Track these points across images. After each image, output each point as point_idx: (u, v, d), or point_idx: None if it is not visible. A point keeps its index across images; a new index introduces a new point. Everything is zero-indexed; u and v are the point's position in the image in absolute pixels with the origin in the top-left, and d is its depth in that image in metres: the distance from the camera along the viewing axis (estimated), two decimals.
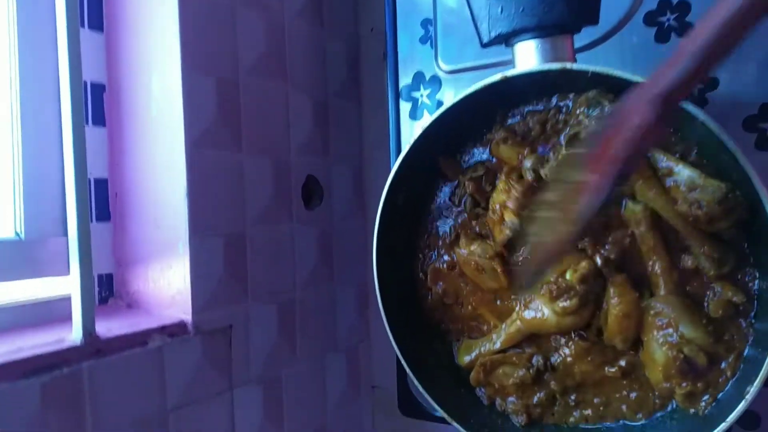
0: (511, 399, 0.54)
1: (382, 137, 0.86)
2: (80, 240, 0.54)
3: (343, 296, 0.83)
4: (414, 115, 0.69)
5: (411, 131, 0.69)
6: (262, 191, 0.70)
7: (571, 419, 0.52)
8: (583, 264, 0.48)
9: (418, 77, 0.68)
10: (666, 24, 0.55)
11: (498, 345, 0.54)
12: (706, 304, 0.45)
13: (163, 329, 0.59)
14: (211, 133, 0.64)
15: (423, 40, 0.68)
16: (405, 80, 0.69)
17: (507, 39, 0.49)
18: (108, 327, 0.56)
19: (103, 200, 0.66)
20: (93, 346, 0.53)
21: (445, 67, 0.66)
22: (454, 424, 0.52)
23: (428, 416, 0.64)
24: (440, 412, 0.53)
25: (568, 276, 0.48)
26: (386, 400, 0.85)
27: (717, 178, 0.44)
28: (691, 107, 0.42)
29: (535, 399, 0.53)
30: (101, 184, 0.66)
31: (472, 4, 0.49)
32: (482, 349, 0.55)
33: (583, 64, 0.45)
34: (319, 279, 0.79)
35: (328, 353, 0.80)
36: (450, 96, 0.66)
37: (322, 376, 0.79)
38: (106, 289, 0.66)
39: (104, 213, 0.67)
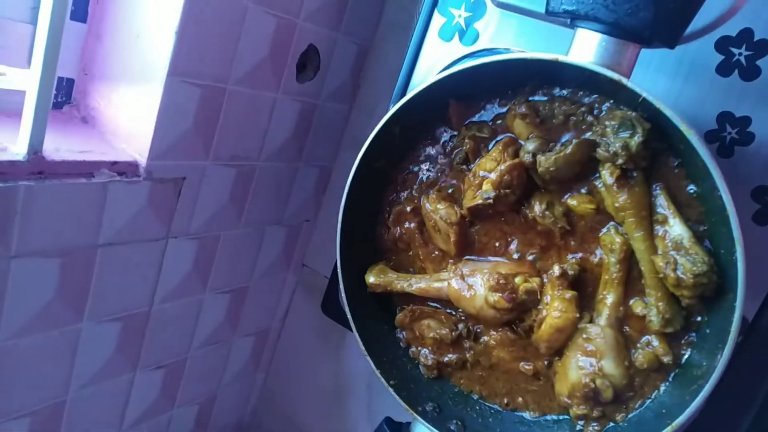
0: (425, 351, 0.56)
1: (399, 26, 0.79)
2: (50, 36, 0.48)
3: (304, 174, 0.81)
4: (443, 33, 0.62)
5: (424, 48, 0.63)
6: (257, 49, 0.64)
7: (470, 389, 0.55)
8: (536, 279, 0.49)
9: None
10: (735, 58, 0.51)
11: (412, 288, 0.54)
12: (634, 350, 0.47)
13: (113, 165, 0.56)
14: None
15: None
16: None
17: (574, 19, 0.44)
18: (56, 146, 0.53)
19: None
20: (36, 165, 0.49)
21: None
22: (368, 357, 0.54)
23: (346, 324, 0.66)
24: (357, 340, 0.55)
25: (517, 280, 0.49)
26: (311, 281, 0.88)
27: (707, 246, 0.44)
28: (714, 170, 0.40)
29: (446, 358, 0.55)
30: None
31: None
32: (396, 282, 0.55)
33: (638, 84, 0.42)
34: (287, 154, 0.76)
35: (272, 225, 0.80)
36: (489, 32, 0.60)
37: (259, 244, 0.79)
38: (63, 95, 0.61)
39: (81, 11, 0.59)
